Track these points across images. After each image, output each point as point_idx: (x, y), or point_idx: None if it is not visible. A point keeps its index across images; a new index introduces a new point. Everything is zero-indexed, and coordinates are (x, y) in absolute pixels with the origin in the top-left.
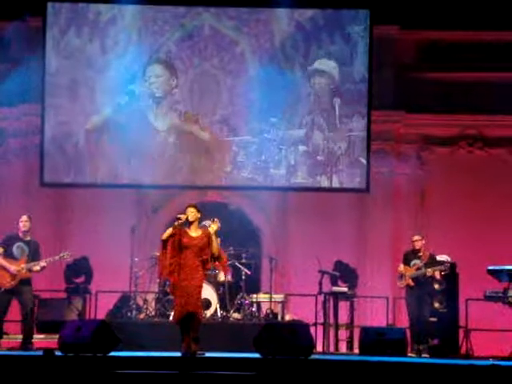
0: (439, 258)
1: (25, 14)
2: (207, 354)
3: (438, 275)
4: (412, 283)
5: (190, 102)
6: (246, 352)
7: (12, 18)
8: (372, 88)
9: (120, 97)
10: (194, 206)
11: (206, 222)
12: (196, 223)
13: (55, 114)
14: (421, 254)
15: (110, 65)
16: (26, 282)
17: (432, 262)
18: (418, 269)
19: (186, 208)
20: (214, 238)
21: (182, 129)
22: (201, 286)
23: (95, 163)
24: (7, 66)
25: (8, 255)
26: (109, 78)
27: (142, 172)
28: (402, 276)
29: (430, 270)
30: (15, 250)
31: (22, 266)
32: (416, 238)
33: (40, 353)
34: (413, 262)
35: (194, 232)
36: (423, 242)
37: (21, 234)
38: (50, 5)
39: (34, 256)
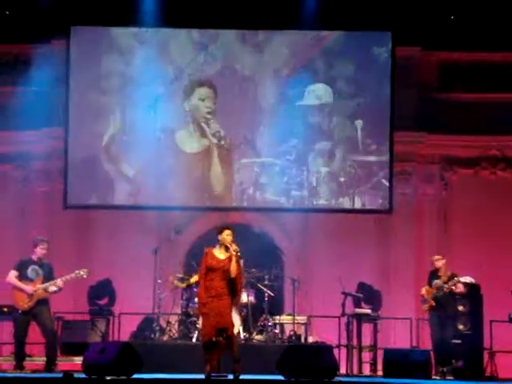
0: (463, 279)
1: (49, 38)
2: (230, 377)
3: (460, 288)
4: (434, 303)
5: (214, 123)
6: (269, 374)
7: (36, 41)
8: (394, 109)
9: (143, 119)
10: (231, 229)
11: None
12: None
13: (78, 136)
14: (441, 273)
15: (134, 87)
16: (43, 302)
17: (451, 279)
18: (438, 288)
19: (223, 230)
20: (233, 261)
21: (205, 150)
22: (230, 307)
23: (118, 185)
24: (31, 90)
25: (23, 278)
26: (133, 101)
27: (165, 194)
28: (425, 299)
29: (447, 285)
30: (30, 272)
31: (38, 286)
32: (436, 257)
33: (61, 375)
34: (433, 282)
35: (222, 254)
36: (444, 261)
37: (35, 258)
38: (73, 28)
39: (48, 278)
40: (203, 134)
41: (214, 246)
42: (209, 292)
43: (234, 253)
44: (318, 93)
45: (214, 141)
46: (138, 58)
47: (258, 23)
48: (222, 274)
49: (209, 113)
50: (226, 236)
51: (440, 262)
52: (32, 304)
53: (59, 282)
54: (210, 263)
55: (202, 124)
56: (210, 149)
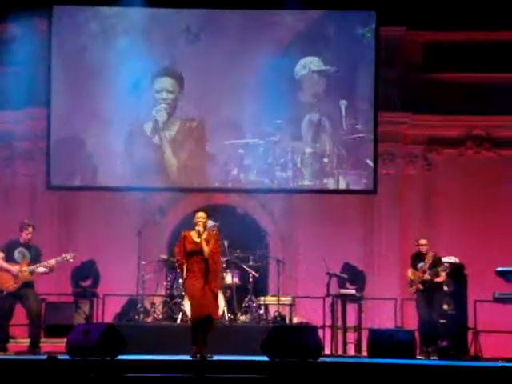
0: (447, 259)
1: (31, 17)
2: (215, 357)
3: (441, 277)
4: (421, 287)
5: (197, 105)
6: (254, 355)
7: (18, 20)
8: (379, 89)
9: (126, 101)
10: (204, 211)
11: (209, 223)
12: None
13: (61, 117)
14: (426, 256)
15: (115, 69)
16: (28, 285)
17: (436, 263)
18: (424, 271)
19: (195, 213)
20: (204, 242)
21: (189, 132)
22: (214, 289)
23: (102, 166)
24: (13, 69)
25: (9, 260)
26: (114, 82)
27: (149, 175)
28: (411, 281)
29: (437, 278)
30: (16, 254)
31: (24, 268)
32: (422, 241)
33: (44, 357)
34: (419, 265)
35: (199, 237)
36: (427, 246)
37: (22, 241)
38: (56, 8)
39: (35, 261)
40: (179, 117)
41: (192, 230)
42: (191, 274)
43: (204, 236)
44: (300, 73)
45: (191, 122)
46: (120, 38)
47: (242, 3)
48: (202, 256)
49: (165, 104)
50: (197, 219)
51: (425, 247)
52: (17, 286)
53: (52, 261)
54: (189, 247)
55: (175, 106)
56: (188, 130)
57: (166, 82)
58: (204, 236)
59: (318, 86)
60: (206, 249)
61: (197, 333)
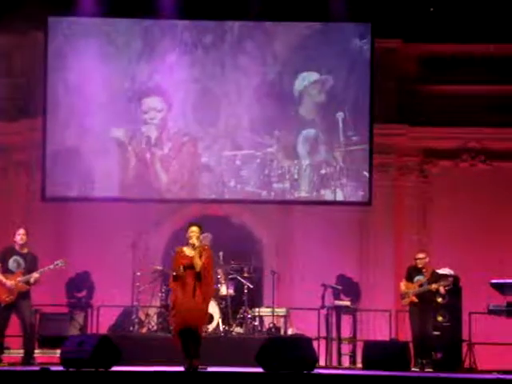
0: (442, 271)
1: (27, 28)
2: (209, 369)
3: (442, 290)
4: (415, 299)
5: (193, 116)
6: (248, 366)
7: (14, 31)
8: (375, 101)
9: (121, 112)
10: (198, 226)
11: (205, 235)
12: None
13: (56, 128)
14: (424, 270)
15: (110, 80)
16: (24, 295)
17: (435, 277)
18: (421, 285)
19: (189, 227)
20: (196, 256)
21: (185, 143)
22: (202, 303)
23: (97, 177)
24: (9, 80)
25: (4, 269)
26: (109, 94)
27: (144, 186)
28: (404, 294)
29: (434, 285)
30: (11, 263)
31: (19, 279)
32: (420, 255)
33: (37, 368)
34: (416, 279)
35: (191, 251)
36: (427, 259)
37: (17, 247)
38: (51, 19)
39: (30, 269)
40: (174, 128)
41: (185, 245)
42: (183, 289)
43: (197, 249)
44: (296, 85)
45: (187, 133)
46: (118, 49)
47: (238, 14)
48: (194, 270)
49: (155, 122)
50: (190, 233)
51: (423, 261)
52: (13, 297)
53: (36, 274)
54: (182, 262)
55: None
56: (184, 142)
57: (153, 102)
58: (197, 250)
59: (315, 98)
60: (198, 262)
61: (185, 345)
